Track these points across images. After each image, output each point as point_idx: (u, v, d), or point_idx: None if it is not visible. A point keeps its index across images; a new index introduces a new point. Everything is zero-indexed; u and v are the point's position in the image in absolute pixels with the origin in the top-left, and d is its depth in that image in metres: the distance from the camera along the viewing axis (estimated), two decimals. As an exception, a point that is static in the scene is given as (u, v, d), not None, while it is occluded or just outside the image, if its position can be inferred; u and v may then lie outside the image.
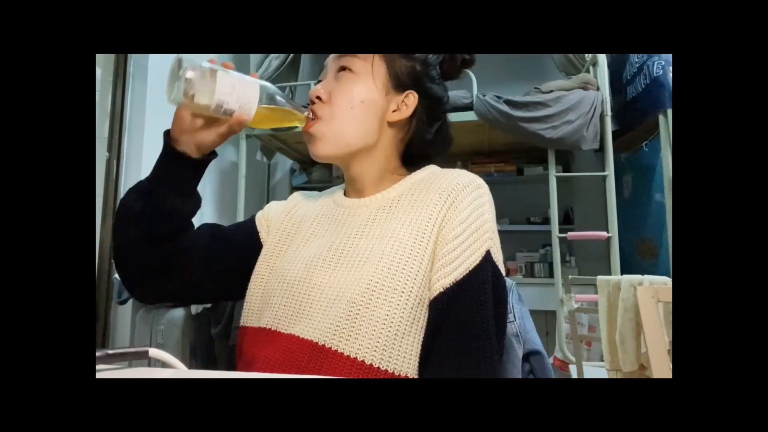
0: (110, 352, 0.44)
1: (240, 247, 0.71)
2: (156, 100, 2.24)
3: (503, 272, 0.60)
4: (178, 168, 0.63)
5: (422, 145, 0.69)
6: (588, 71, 2.31)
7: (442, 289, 0.56)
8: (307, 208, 0.73)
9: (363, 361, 0.53)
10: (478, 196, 0.61)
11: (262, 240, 0.72)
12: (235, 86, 0.57)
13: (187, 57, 0.55)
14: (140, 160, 2.15)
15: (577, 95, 2.12)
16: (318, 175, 3.12)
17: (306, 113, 0.64)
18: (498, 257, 0.59)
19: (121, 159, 2.13)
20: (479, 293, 0.55)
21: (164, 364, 0.47)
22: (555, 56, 2.51)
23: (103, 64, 2.18)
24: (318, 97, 0.65)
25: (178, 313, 1.93)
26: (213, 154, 0.65)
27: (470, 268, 0.56)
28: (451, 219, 0.58)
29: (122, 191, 2.11)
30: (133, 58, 2.20)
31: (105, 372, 0.43)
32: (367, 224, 0.62)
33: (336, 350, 0.54)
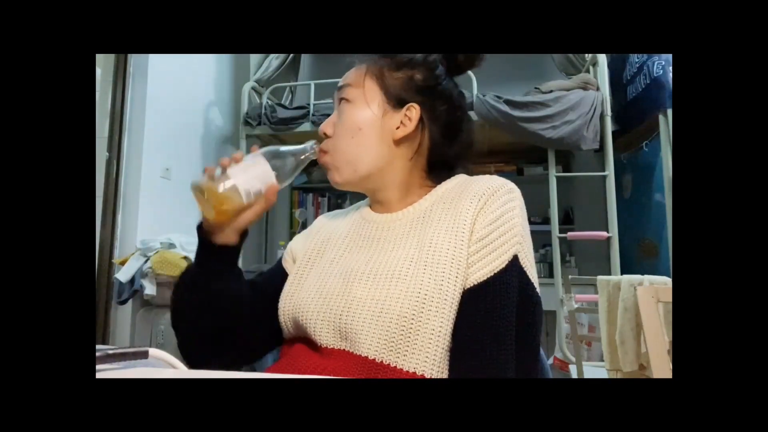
0: (110, 351, 0.44)
1: (276, 296, 0.69)
2: (156, 100, 2.24)
3: (533, 279, 0.57)
4: (226, 257, 0.65)
5: (439, 153, 0.67)
6: (588, 71, 2.31)
7: (463, 290, 0.55)
8: (333, 227, 0.72)
9: (423, 375, 0.53)
10: (509, 200, 0.59)
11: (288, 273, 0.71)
12: (247, 169, 0.60)
13: (197, 180, 0.59)
14: (140, 160, 2.15)
15: (577, 95, 2.13)
16: (318, 175, 3.12)
17: (311, 145, 0.67)
18: (527, 263, 0.57)
19: (121, 159, 2.13)
20: (502, 297, 0.54)
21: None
22: (555, 56, 2.51)
23: (103, 64, 2.18)
24: (325, 133, 0.68)
25: (178, 313, 1.93)
26: (247, 232, 0.67)
27: (495, 271, 0.55)
28: (480, 221, 0.58)
29: (122, 191, 2.12)
30: (133, 58, 2.20)
31: (105, 372, 0.43)
32: (403, 237, 0.62)
33: (395, 366, 0.53)
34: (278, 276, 0.71)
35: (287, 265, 0.72)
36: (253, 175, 0.60)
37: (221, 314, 0.65)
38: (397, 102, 0.65)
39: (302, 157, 0.65)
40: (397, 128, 0.64)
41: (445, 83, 0.67)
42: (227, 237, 0.64)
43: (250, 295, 0.69)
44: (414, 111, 0.64)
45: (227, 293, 0.66)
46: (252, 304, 0.68)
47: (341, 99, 0.67)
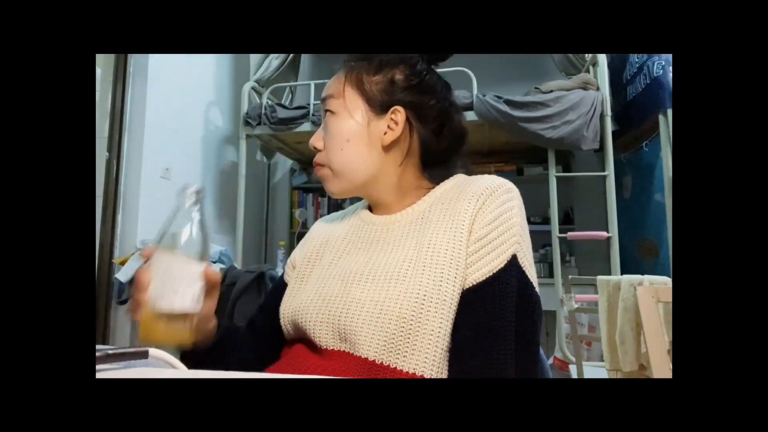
0: (110, 351, 0.44)
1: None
2: (156, 100, 2.24)
3: (532, 279, 0.57)
4: (218, 346, 0.64)
5: (431, 149, 0.67)
6: (588, 71, 2.31)
7: (462, 290, 0.55)
8: (331, 230, 0.72)
9: (422, 376, 0.53)
10: (508, 200, 0.59)
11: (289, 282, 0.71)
12: (166, 283, 0.51)
13: (143, 335, 0.51)
14: (140, 160, 2.15)
15: (577, 95, 2.12)
16: (318, 175, 3.12)
17: (191, 190, 0.56)
18: (526, 263, 0.57)
19: (121, 159, 2.13)
20: (501, 297, 0.54)
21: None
22: (555, 56, 2.51)
23: (103, 64, 2.18)
24: (315, 147, 0.68)
25: (178, 313, 1.93)
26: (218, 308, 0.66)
27: (494, 271, 0.55)
28: (479, 221, 0.58)
29: (122, 191, 2.12)
30: (133, 58, 2.20)
31: (105, 372, 0.43)
32: (401, 238, 0.62)
33: (395, 367, 0.53)
34: (282, 291, 0.71)
35: (288, 277, 0.72)
36: (177, 284, 0.51)
37: (240, 367, 0.66)
38: (381, 107, 0.64)
39: (195, 207, 0.55)
40: (385, 134, 0.64)
41: (428, 78, 0.67)
42: (206, 336, 0.62)
43: (261, 326, 0.70)
44: (399, 114, 0.64)
45: (237, 359, 0.65)
46: (264, 329, 0.69)
47: (326, 111, 0.66)
